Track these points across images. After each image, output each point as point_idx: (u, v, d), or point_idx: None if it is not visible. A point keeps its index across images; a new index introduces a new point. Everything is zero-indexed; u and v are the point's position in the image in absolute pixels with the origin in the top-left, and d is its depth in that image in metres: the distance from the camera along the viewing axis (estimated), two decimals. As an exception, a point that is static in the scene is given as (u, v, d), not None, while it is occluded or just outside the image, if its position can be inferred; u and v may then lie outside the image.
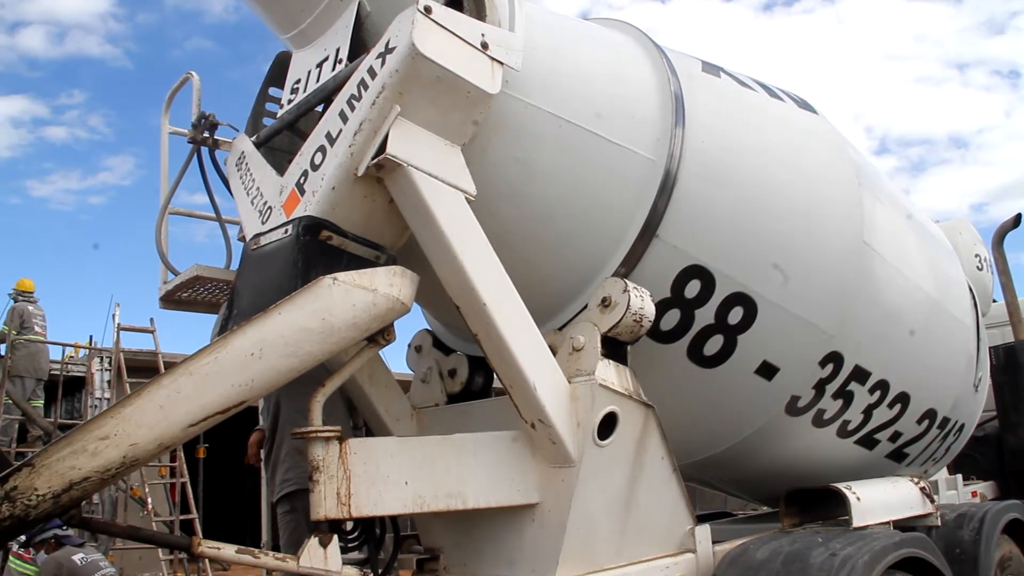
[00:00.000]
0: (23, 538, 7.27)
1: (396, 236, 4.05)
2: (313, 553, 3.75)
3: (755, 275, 4.71)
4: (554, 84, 4.32)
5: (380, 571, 4.22)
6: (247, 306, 3.85)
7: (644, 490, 4.38)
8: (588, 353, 4.16)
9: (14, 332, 13.74)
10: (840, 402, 5.32)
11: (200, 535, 11.37)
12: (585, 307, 4.34)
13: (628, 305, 4.15)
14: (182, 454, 13.02)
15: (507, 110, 4.12)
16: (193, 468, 13.69)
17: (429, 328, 5.27)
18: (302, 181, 3.99)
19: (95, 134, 63.34)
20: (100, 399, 14.41)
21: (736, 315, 4.70)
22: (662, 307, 4.47)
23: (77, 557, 6.91)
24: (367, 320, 3.63)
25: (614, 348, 4.23)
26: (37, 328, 14.24)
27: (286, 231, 3.82)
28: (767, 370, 4.91)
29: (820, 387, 5.15)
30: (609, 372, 4.15)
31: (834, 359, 5.11)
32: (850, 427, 5.53)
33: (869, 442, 5.75)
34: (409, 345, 5.28)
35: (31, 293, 14.65)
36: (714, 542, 4.68)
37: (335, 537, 3.81)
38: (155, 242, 5.29)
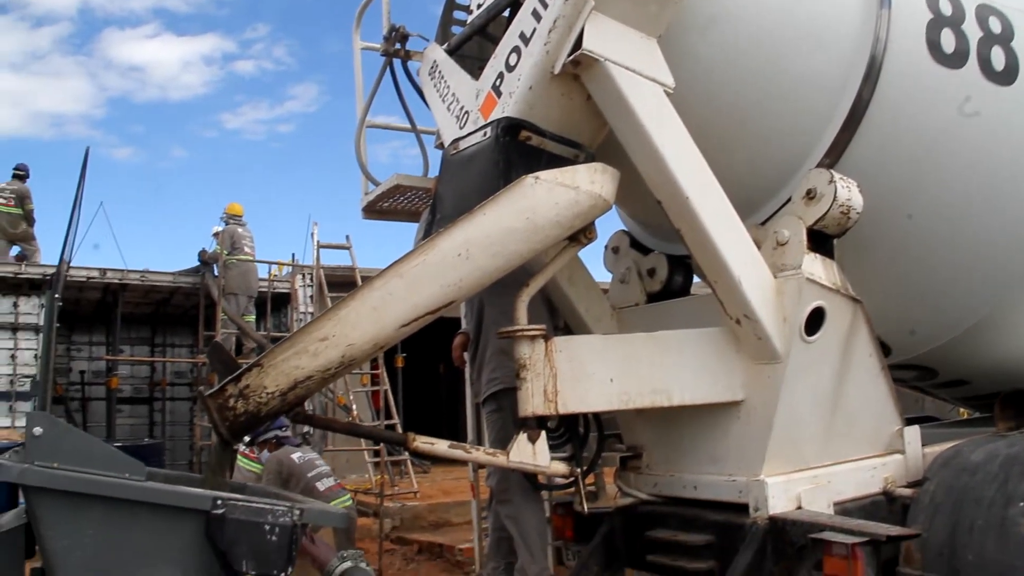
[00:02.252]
0: (247, 438, 7.82)
1: (594, 133, 4.01)
2: (522, 448, 3.86)
3: None
4: None
5: (585, 468, 4.30)
6: (451, 209, 3.93)
7: (851, 388, 4.27)
8: (793, 247, 4.03)
9: (226, 253, 14.59)
10: None
11: (403, 440, 11.84)
12: (789, 200, 4.20)
13: (835, 196, 3.98)
14: (383, 363, 13.57)
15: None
16: (393, 377, 14.25)
17: (626, 229, 5.24)
18: (498, 83, 3.99)
19: (280, 65, 65.80)
20: (304, 313, 15.15)
21: (996, 24, 4.58)
22: (934, 29, 4.38)
23: (295, 456, 7.37)
24: (570, 218, 3.65)
25: (820, 242, 4.09)
26: (247, 249, 15.05)
27: (485, 134, 3.85)
28: None
29: None
30: (816, 266, 4.02)
31: None
32: None
33: None
34: (606, 247, 5.25)
35: (240, 216, 15.47)
36: (923, 445, 4.53)
37: (543, 433, 3.91)
38: (355, 155, 5.48)
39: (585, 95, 3.82)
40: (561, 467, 4.06)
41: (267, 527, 3.03)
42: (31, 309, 13.95)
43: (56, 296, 3.59)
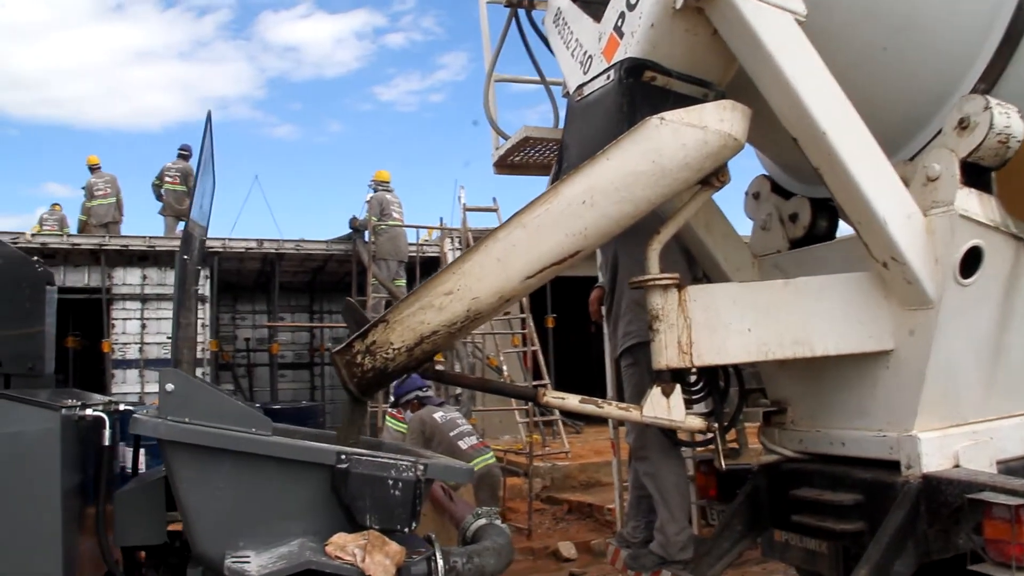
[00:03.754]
0: (392, 399, 7.99)
1: (723, 70, 3.81)
2: (656, 403, 3.75)
3: None
4: None
5: (725, 424, 4.14)
6: (575, 157, 3.80)
7: (1016, 336, 3.99)
8: (945, 182, 3.75)
9: (376, 219, 14.87)
10: None
11: (552, 400, 11.82)
12: (939, 132, 3.90)
13: (991, 124, 3.68)
14: (532, 323, 13.57)
15: None
16: (543, 337, 14.23)
17: (766, 173, 4.99)
18: (619, 23, 3.84)
19: (429, 35, 66.46)
20: (453, 277, 15.26)
21: None
22: None
23: (437, 415, 7.44)
24: (699, 159, 3.47)
25: (976, 175, 3.79)
26: (395, 214, 15.28)
27: (608, 76, 3.70)
28: None
29: None
30: (971, 202, 3.73)
31: None
32: None
33: None
34: (746, 193, 5.02)
35: (388, 183, 15.72)
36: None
37: (678, 386, 3.78)
38: (483, 109, 5.43)
39: (711, 29, 3.63)
40: (697, 422, 3.91)
41: (390, 481, 3.03)
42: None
43: (185, 257, 3.67)
